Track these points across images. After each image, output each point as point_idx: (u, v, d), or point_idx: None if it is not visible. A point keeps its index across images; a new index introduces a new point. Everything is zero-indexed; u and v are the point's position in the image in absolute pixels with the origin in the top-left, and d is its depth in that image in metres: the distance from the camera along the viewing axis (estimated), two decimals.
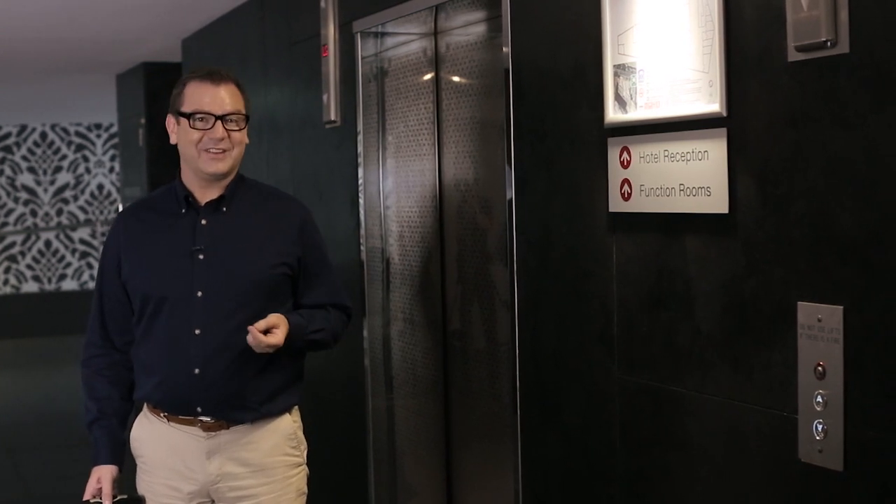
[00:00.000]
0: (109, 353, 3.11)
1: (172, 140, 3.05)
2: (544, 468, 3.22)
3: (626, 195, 2.80)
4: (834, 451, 2.21)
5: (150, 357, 3.03)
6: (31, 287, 14.17)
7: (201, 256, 2.99)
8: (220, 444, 3.00)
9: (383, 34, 4.40)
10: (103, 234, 14.34)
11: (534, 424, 3.26)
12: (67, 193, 14.28)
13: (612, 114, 2.82)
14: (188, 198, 3.04)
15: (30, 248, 14.16)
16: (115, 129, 13.42)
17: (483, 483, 4.00)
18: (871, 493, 2.16)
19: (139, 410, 3.16)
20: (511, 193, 3.31)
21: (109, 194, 14.37)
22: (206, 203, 3.04)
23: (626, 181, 2.79)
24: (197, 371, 2.95)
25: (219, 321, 2.96)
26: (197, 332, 2.96)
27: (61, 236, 14.31)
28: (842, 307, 2.19)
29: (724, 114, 2.46)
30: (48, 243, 14.24)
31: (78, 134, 14.29)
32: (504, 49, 3.32)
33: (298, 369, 3.12)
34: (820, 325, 2.23)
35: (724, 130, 2.47)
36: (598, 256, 2.93)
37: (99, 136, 14.36)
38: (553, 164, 3.12)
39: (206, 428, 2.99)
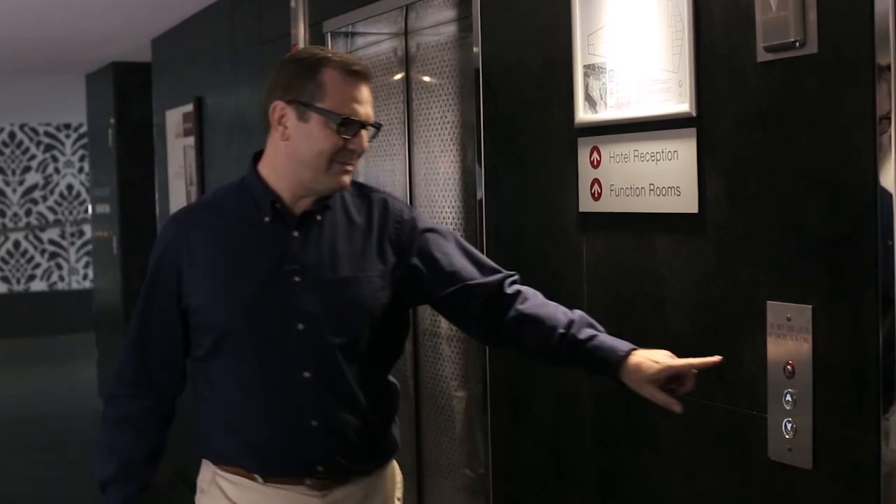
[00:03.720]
0: (141, 395, 2.51)
1: (282, 135, 2.39)
2: (515, 468, 3.22)
3: (596, 195, 2.80)
4: (803, 450, 2.22)
5: (237, 409, 2.44)
6: None
7: (297, 278, 2.39)
8: (336, 502, 2.47)
9: (353, 34, 4.39)
10: (73, 235, 14.26)
11: (504, 424, 3.25)
12: (36, 194, 14.20)
13: (583, 114, 2.82)
14: (275, 203, 2.42)
15: None
16: (84, 129, 13.33)
17: (454, 483, 4.00)
18: (840, 491, 2.17)
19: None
20: (481, 193, 3.30)
21: (79, 195, 14.28)
22: (302, 213, 2.43)
23: (596, 181, 2.79)
24: (314, 423, 2.39)
25: (328, 359, 2.39)
26: (306, 374, 2.38)
27: (30, 237, 14.21)
28: (810, 306, 2.20)
29: (694, 114, 2.46)
30: (17, 244, 14.13)
31: (47, 134, 14.20)
32: (474, 49, 3.32)
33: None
34: (789, 324, 2.24)
35: (693, 130, 2.47)
36: (568, 256, 2.93)
37: (68, 136, 14.28)
38: (523, 163, 3.11)
39: (321, 486, 2.43)
